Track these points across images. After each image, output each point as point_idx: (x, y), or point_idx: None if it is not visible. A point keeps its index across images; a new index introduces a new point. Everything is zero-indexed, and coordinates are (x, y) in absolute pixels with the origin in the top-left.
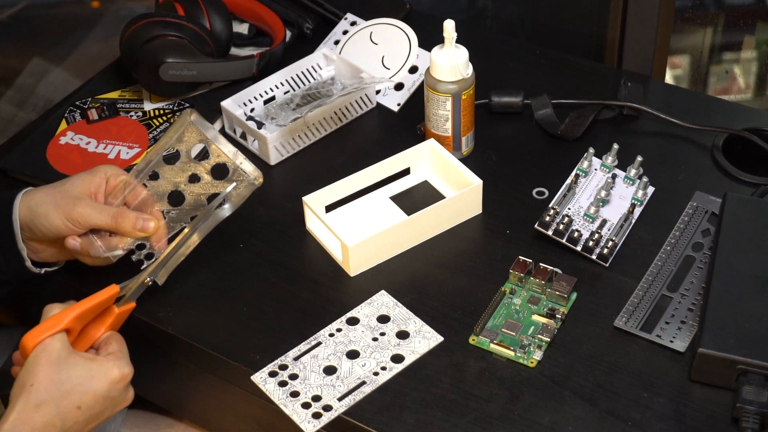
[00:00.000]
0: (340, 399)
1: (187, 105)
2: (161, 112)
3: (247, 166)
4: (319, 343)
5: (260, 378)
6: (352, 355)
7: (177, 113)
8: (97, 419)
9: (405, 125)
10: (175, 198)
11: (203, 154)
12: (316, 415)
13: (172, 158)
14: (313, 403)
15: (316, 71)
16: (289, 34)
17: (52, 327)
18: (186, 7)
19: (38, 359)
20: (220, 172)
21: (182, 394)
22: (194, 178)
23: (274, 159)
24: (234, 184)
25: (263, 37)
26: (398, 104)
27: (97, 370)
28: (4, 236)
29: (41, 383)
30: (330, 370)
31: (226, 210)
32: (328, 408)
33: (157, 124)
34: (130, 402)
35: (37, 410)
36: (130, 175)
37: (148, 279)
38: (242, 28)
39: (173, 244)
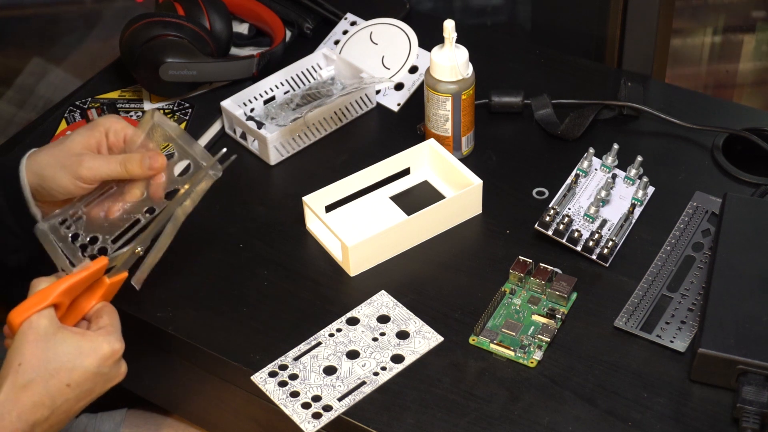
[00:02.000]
0: (340, 399)
1: (187, 105)
2: (161, 112)
3: (206, 160)
4: (319, 343)
5: (260, 378)
6: (352, 355)
7: (177, 113)
8: (88, 396)
9: (405, 125)
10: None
11: (185, 171)
12: (316, 415)
13: None
14: (313, 403)
15: (316, 71)
16: (289, 34)
17: (39, 302)
18: (186, 7)
19: (25, 337)
20: (185, 170)
21: (182, 394)
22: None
23: (274, 159)
24: (193, 179)
25: (263, 37)
26: (398, 104)
27: (86, 346)
28: (15, 201)
29: (29, 362)
30: (330, 370)
31: (188, 206)
32: (328, 408)
33: None
34: (122, 377)
35: (25, 390)
36: (128, 126)
37: (139, 249)
38: (242, 28)
39: (137, 241)
